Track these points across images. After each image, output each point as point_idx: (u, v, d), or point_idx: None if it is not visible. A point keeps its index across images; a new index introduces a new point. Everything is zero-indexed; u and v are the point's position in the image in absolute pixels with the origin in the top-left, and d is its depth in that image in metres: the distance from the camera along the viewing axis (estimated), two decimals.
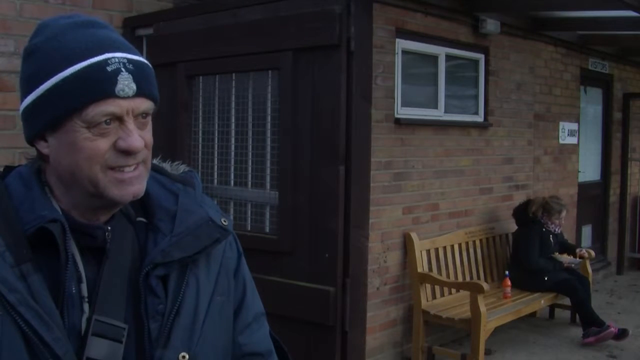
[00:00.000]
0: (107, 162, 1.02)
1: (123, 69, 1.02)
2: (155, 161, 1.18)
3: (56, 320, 0.98)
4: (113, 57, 1.02)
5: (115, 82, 1.01)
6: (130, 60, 1.04)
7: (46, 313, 0.97)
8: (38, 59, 1.04)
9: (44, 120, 1.03)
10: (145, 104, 1.05)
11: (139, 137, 1.04)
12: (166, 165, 1.25)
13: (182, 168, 1.26)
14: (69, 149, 1.02)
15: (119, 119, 1.02)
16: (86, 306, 1.03)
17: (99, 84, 1.00)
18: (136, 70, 1.03)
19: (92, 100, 1.00)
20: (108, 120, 1.01)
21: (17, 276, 0.97)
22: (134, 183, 1.05)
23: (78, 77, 1.00)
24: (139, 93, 1.03)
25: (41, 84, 1.02)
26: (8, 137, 4.32)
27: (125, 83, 1.01)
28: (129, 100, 1.02)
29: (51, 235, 1.00)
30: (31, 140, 1.07)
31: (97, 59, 1.01)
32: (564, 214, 5.75)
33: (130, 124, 1.03)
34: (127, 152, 1.03)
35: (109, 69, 1.01)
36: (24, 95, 1.06)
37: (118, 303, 1.06)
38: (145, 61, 1.08)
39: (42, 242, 1.01)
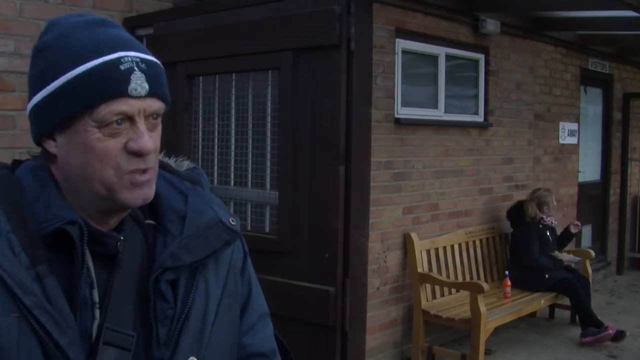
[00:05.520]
0: (121, 165, 1.00)
1: (136, 68, 0.99)
2: (159, 157, 1.13)
3: (71, 324, 0.97)
4: (126, 56, 1.00)
5: (128, 81, 0.98)
6: (143, 60, 1.01)
7: (61, 316, 0.96)
8: (48, 56, 1.01)
9: (54, 119, 1.00)
10: (156, 105, 1.03)
11: (150, 139, 1.01)
12: (171, 162, 1.22)
13: (186, 164, 1.24)
14: (79, 149, 1.00)
15: (130, 119, 1.00)
16: (97, 312, 1.01)
17: (111, 82, 0.97)
18: (149, 70, 1.01)
19: (104, 99, 0.97)
20: (119, 120, 0.99)
21: (32, 278, 0.95)
22: (145, 187, 1.03)
23: (90, 75, 0.97)
24: (151, 93, 1.01)
25: (51, 81, 0.99)
26: (8, 137, 4.31)
27: (138, 82, 0.99)
28: (140, 100, 1.00)
29: (67, 237, 0.98)
30: (39, 140, 1.04)
31: (110, 57, 0.99)
32: (553, 196, 5.81)
33: (142, 124, 1.01)
34: (138, 154, 1.00)
35: (122, 67, 0.98)
36: (33, 94, 1.03)
37: (127, 310, 1.05)
38: (157, 61, 1.05)
39: (56, 243, 0.99)
